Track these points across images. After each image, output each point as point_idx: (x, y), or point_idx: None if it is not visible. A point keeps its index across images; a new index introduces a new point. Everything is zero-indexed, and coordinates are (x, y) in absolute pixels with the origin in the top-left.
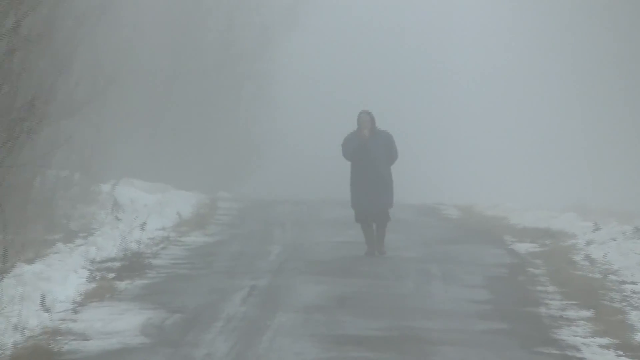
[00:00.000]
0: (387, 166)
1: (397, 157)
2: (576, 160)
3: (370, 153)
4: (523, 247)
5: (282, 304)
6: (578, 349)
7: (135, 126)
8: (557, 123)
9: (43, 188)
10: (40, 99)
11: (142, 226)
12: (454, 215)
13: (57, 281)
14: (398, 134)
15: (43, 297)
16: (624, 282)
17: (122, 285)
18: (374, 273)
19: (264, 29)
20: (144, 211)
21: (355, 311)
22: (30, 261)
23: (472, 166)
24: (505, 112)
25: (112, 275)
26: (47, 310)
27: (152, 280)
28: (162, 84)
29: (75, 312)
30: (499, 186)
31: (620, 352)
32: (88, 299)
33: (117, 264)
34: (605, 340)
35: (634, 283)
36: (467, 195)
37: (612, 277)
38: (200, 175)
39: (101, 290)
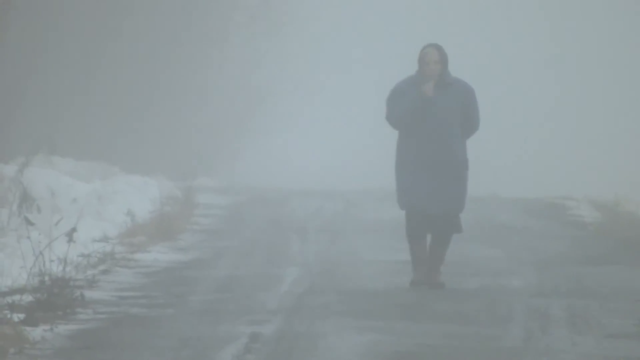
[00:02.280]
0: (463, 141)
1: (479, 127)
2: None
3: (436, 116)
4: None
5: None
6: None
7: (59, 72)
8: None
9: None
10: None
11: (70, 235)
12: (590, 218)
13: None
14: None
15: None
16: None
17: (36, 333)
18: (455, 314)
19: None
20: (73, 209)
21: None
22: None
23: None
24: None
25: (19, 316)
26: None
27: (86, 325)
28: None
29: None
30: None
31: None
32: None
33: (28, 298)
34: None
35: None
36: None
37: None
38: (166, 151)
39: (2, 340)
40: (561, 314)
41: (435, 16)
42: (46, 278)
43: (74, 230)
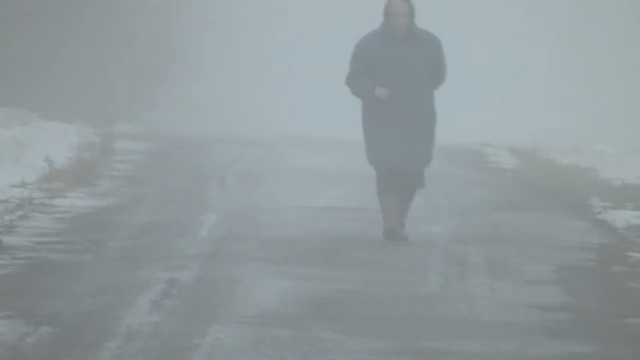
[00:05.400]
0: (431, 95)
1: (445, 80)
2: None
3: (405, 70)
4: (621, 218)
5: (220, 310)
6: None
7: None
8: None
9: None
10: None
11: None
12: (509, 165)
13: None
14: None
15: None
16: None
17: None
18: (374, 260)
19: None
20: None
21: (343, 324)
22: None
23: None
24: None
25: None
26: None
27: (4, 270)
28: None
29: None
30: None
31: None
32: None
33: None
34: None
35: None
36: (509, 135)
37: None
38: (85, 98)
39: None
40: (479, 260)
41: None
42: None
43: None
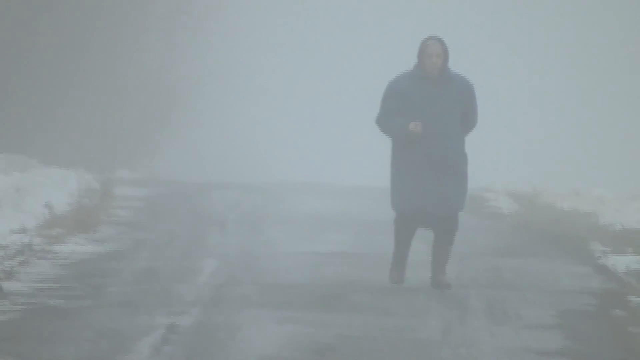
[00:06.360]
0: (461, 138)
1: (476, 124)
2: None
3: (436, 113)
4: (622, 262)
5: (220, 356)
6: None
7: None
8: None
9: None
10: None
11: None
12: (509, 210)
13: None
14: None
15: None
16: None
17: None
18: (375, 305)
19: None
20: None
21: None
22: None
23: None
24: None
25: None
26: None
27: (3, 316)
28: None
29: None
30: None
31: None
32: None
33: None
34: None
35: None
36: (510, 179)
37: None
38: (85, 144)
39: None
40: (479, 305)
41: None
42: None
43: None
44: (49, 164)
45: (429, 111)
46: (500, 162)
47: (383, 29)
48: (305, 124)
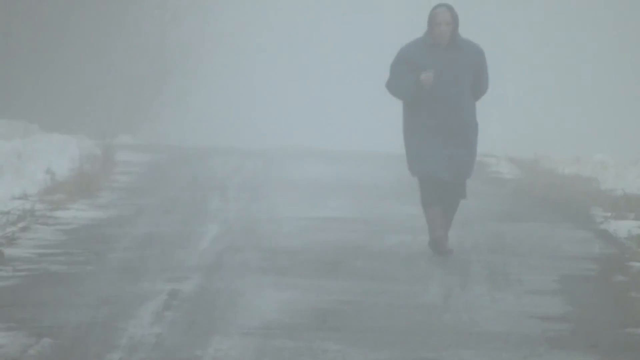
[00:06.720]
0: (473, 104)
1: (487, 90)
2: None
3: (447, 80)
4: (623, 228)
5: (222, 322)
6: None
7: None
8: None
9: None
10: None
11: None
12: (510, 175)
13: None
14: None
15: None
16: None
17: None
18: (375, 271)
19: None
20: None
21: (344, 335)
22: None
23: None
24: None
25: None
26: None
27: (5, 282)
28: None
29: None
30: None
31: None
32: None
33: None
34: None
35: None
36: (510, 145)
37: None
38: (86, 110)
39: None
40: (481, 270)
41: None
42: None
43: None
44: (49, 129)
45: (439, 79)
46: (501, 128)
47: None
48: (309, 89)
